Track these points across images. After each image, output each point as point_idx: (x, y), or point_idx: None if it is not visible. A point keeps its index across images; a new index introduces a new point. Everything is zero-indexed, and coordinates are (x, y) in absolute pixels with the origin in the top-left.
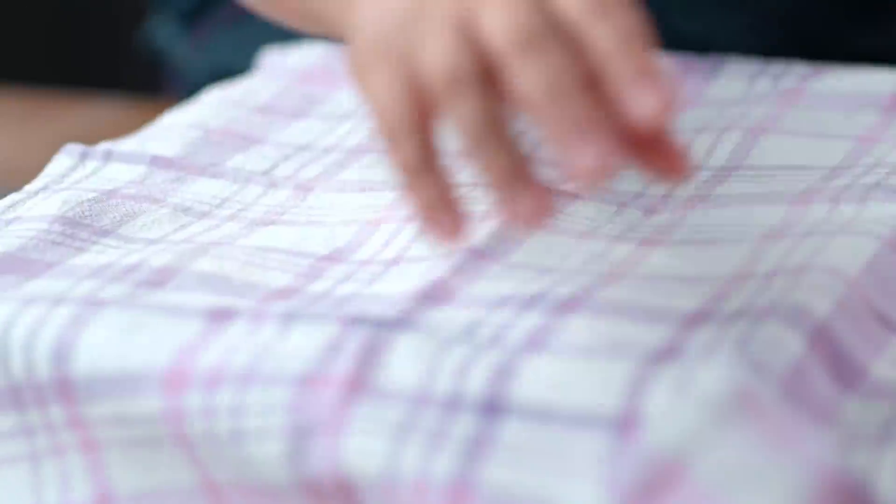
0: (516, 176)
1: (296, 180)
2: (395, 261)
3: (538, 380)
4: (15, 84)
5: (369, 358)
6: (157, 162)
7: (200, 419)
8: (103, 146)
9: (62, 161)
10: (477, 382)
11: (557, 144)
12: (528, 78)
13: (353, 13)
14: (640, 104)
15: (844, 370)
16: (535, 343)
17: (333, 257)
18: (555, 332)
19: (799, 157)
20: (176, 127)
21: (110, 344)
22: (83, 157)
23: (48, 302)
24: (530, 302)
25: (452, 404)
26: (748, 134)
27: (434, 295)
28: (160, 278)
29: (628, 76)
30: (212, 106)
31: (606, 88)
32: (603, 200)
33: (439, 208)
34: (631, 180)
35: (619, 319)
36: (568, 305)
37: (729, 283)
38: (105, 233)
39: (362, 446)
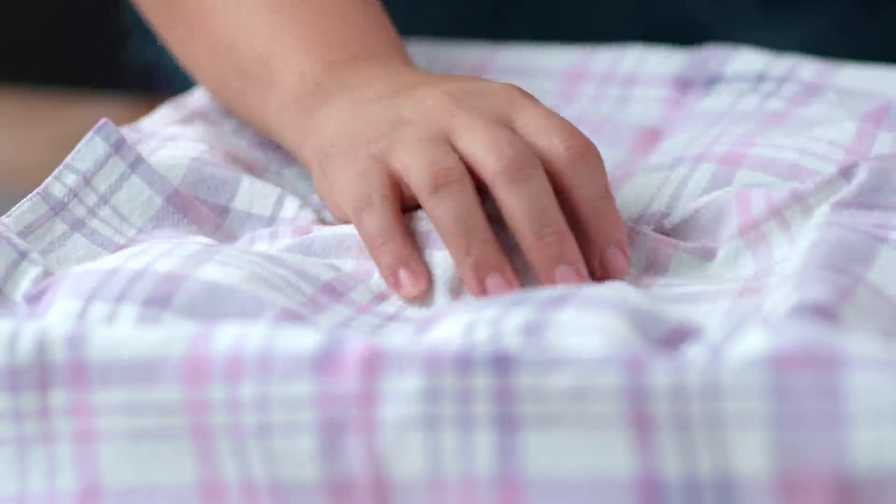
0: (488, 262)
1: (295, 224)
2: (393, 318)
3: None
4: (15, 84)
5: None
6: (173, 200)
7: (225, 412)
8: (135, 148)
9: (97, 147)
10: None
11: (538, 266)
12: (515, 204)
13: (310, 134)
14: (613, 264)
15: None
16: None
17: (335, 289)
18: (549, 319)
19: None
20: (185, 144)
21: (126, 329)
22: (117, 147)
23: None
24: (517, 300)
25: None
26: (719, 168)
27: (426, 325)
28: (166, 289)
29: (606, 233)
30: (211, 132)
31: (584, 228)
32: None
33: (404, 267)
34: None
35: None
36: (557, 300)
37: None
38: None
39: (398, 441)
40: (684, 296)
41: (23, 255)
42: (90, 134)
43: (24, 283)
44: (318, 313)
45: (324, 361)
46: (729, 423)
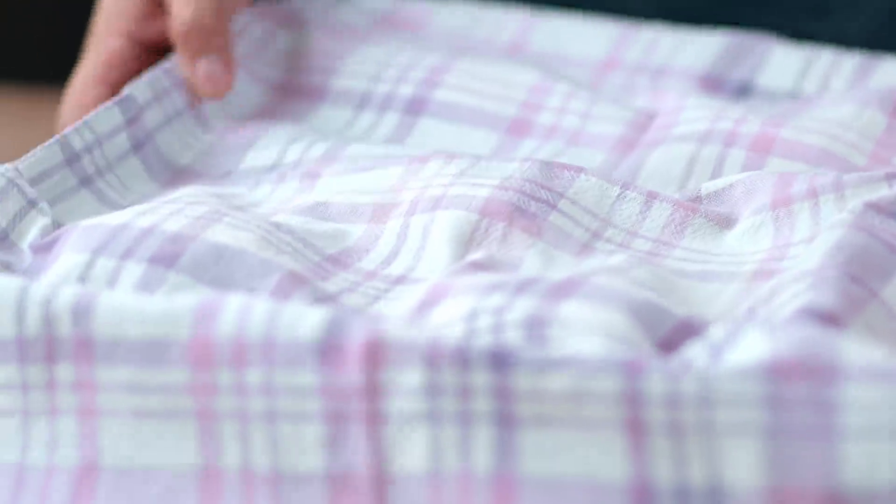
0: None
1: (302, 166)
2: (400, 279)
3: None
4: (15, 84)
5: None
6: (179, 177)
7: (231, 396)
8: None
9: (114, 116)
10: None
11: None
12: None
13: None
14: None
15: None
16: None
17: (340, 260)
18: (551, 313)
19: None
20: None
21: (131, 304)
22: (130, 123)
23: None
24: (523, 285)
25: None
26: (750, 155)
27: (430, 301)
28: (173, 249)
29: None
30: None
31: None
32: (608, 178)
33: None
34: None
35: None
36: (562, 289)
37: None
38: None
39: (402, 435)
40: (697, 273)
41: (32, 204)
42: (110, 103)
43: (33, 231)
44: (324, 279)
45: (327, 351)
46: (722, 432)
